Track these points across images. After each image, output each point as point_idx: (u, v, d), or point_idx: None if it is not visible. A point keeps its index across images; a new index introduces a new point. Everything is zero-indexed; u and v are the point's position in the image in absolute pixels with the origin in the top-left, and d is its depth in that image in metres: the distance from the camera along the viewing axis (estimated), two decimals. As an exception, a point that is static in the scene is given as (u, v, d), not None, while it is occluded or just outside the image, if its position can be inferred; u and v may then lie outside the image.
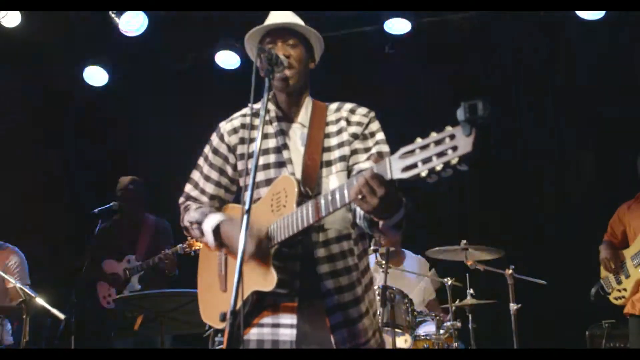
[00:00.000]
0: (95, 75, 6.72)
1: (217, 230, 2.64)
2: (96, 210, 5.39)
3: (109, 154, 7.02)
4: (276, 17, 2.76)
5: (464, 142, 1.87)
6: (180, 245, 5.47)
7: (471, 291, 5.03)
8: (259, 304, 2.60)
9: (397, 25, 6.23)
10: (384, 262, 4.96)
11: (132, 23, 5.84)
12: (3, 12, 5.72)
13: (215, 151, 2.81)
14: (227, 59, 6.56)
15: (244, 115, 2.80)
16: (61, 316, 4.06)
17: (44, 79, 6.82)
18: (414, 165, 1.99)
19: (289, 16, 2.78)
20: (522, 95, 6.46)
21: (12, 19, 5.85)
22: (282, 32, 2.72)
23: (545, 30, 6.36)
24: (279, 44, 2.69)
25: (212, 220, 2.67)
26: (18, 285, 4.20)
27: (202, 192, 2.83)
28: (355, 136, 2.69)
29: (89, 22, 6.22)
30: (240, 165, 2.76)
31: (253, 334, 2.62)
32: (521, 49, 6.49)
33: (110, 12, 5.64)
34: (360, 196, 2.18)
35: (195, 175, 2.87)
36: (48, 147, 7.03)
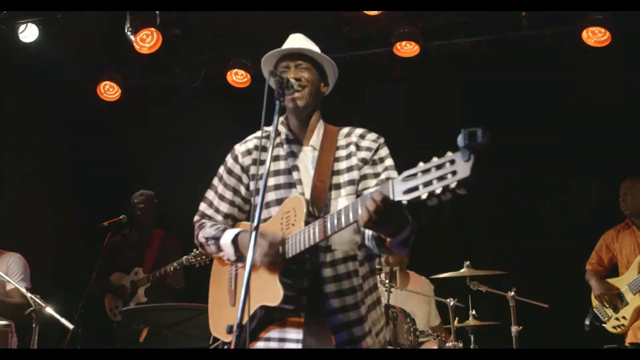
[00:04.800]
0: (108, 90, 6.85)
1: (235, 242, 2.74)
2: (105, 223, 5.47)
3: (119, 167, 7.11)
4: (291, 42, 2.89)
5: (463, 167, 1.95)
6: (186, 257, 5.53)
7: (473, 312, 5.06)
8: (266, 319, 2.67)
9: (407, 48, 6.31)
10: (387, 281, 5.01)
11: (147, 41, 5.94)
12: (22, 27, 5.84)
13: (230, 172, 2.91)
14: (238, 77, 6.66)
15: (258, 137, 2.90)
16: (70, 326, 4.11)
17: (58, 92, 6.93)
18: (416, 188, 2.07)
19: (304, 42, 2.90)
20: (529, 119, 6.51)
21: (30, 34, 5.96)
22: (296, 56, 2.83)
23: (553, 56, 6.43)
24: (291, 67, 2.81)
25: (230, 234, 2.77)
26: (28, 293, 4.26)
27: (217, 210, 2.93)
28: (364, 161, 2.77)
29: (104, 38, 6.35)
30: (252, 185, 2.86)
31: (260, 348, 2.68)
32: (529, 74, 6.55)
33: (126, 29, 5.75)
34: (367, 216, 2.26)
35: (210, 194, 2.97)
36: (59, 159, 7.13)
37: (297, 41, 2.90)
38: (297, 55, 2.83)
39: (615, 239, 5.34)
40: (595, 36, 6.03)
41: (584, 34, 6.03)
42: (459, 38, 6.45)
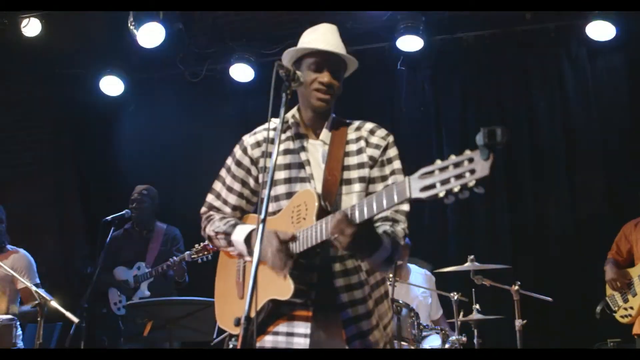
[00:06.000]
0: (111, 85, 6.84)
1: (248, 241, 2.72)
2: (109, 217, 5.47)
3: (123, 161, 7.10)
4: (328, 39, 2.78)
5: (482, 166, 1.95)
6: (188, 252, 5.53)
7: (477, 306, 5.07)
8: (275, 313, 2.67)
9: (409, 43, 6.30)
10: (390, 275, 5.01)
11: (151, 35, 5.92)
12: (25, 21, 5.83)
13: (239, 163, 2.88)
14: (241, 72, 6.64)
15: (267, 129, 2.86)
16: (75, 319, 4.11)
17: (61, 87, 6.92)
18: (433, 186, 2.07)
19: (339, 42, 2.79)
20: (532, 113, 6.51)
21: (32, 28, 5.95)
22: (333, 60, 2.75)
23: (556, 50, 6.43)
24: (325, 72, 2.73)
25: (241, 231, 2.75)
26: (33, 288, 4.26)
27: (225, 202, 2.90)
28: (373, 159, 2.76)
29: (106, 32, 6.33)
30: (261, 178, 2.83)
31: (268, 342, 2.69)
32: (533, 68, 6.55)
33: (129, 24, 5.73)
34: (334, 235, 2.33)
35: (218, 186, 2.94)
36: (63, 154, 7.12)
37: (335, 39, 2.78)
38: (335, 58, 2.75)
39: (634, 230, 5.34)
40: (599, 30, 6.02)
41: (588, 28, 6.03)
42: (462, 32, 6.45)
